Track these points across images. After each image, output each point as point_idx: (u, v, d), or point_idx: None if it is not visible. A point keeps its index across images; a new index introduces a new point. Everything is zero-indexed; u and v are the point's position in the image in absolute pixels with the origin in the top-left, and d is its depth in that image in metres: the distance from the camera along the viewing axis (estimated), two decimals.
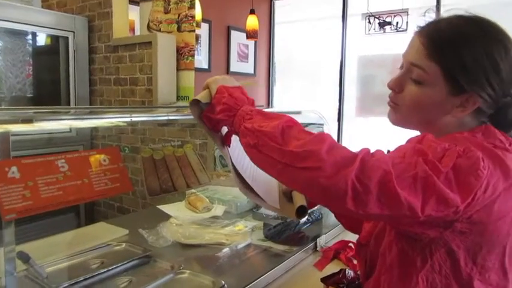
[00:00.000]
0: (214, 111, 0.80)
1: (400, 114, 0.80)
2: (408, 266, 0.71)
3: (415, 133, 0.82)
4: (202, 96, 0.83)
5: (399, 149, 0.69)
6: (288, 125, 0.69)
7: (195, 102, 0.83)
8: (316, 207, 1.56)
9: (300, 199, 0.91)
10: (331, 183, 0.60)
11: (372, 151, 0.64)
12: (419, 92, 0.74)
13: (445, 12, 0.76)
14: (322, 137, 0.65)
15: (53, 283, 1.08)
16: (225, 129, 0.87)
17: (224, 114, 0.78)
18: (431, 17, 0.77)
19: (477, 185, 0.62)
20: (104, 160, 0.86)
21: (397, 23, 4.54)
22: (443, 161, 0.63)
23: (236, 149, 0.87)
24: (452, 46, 0.71)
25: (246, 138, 0.72)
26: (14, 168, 0.75)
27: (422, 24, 0.76)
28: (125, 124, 2.48)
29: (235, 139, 0.85)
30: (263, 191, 0.88)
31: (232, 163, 0.84)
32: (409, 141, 0.76)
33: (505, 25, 0.73)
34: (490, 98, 0.70)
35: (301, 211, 0.89)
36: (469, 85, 0.70)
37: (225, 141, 0.87)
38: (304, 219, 1.59)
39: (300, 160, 0.63)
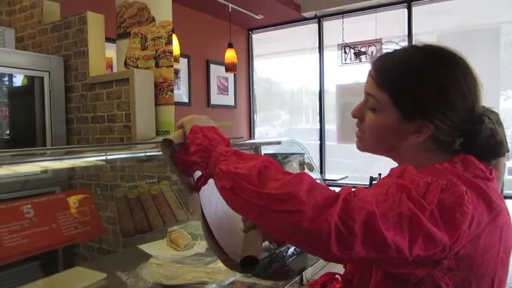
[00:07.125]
0: (188, 153, 0.76)
1: (364, 142, 0.81)
2: None
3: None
4: (175, 136, 0.78)
5: (381, 183, 0.66)
6: (264, 165, 0.66)
7: (168, 143, 0.78)
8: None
9: (251, 247, 0.81)
10: (313, 227, 0.57)
11: (353, 190, 0.62)
12: (375, 119, 0.76)
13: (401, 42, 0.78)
14: (301, 177, 0.63)
15: None
16: (197, 174, 0.83)
17: (198, 155, 0.75)
18: (387, 48, 0.78)
19: (463, 221, 0.60)
20: (74, 203, 0.82)
21: (372, 52, 4.68)
22: (427, 197, 0.61)
23: (203, 195, 0.82)
24: (398, 76, 0.72)
25: (222, 181, 0.68)
26: None
27: (375, 57, 0.78)
28: (103, 162, 2.42)
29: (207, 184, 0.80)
30: (225, 240, 0.81)
31: (202, 211, 0.79)
32: (390, 174, 0.73)
33: (473, 51, 0.74)
34: (445, 125, 0.70)
35: (248, 263, 0.78)
36: (418, 113, 0.70)
37: (196, 187, 0.81)
38: (292, 249, 1.55)
39: (279, 203, 0.60)
